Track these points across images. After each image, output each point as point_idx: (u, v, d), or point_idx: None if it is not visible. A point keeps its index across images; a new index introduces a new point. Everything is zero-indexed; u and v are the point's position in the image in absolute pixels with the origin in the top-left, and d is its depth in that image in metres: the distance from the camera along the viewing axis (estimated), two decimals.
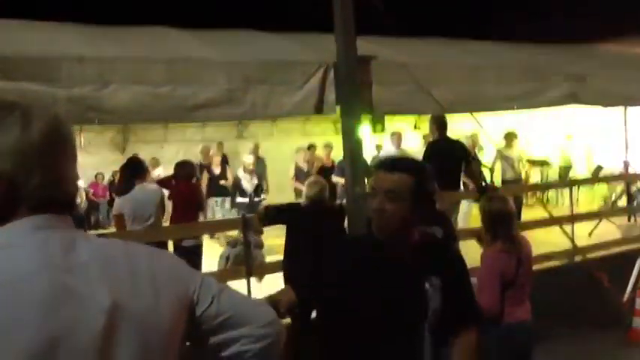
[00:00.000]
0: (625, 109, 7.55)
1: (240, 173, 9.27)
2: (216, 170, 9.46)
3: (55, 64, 3.81)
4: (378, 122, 9.22)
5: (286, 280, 4.56)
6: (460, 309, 2.16)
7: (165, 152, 11.29)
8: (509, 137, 9.58)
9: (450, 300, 2.10)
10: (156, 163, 10.26)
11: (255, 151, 10.34)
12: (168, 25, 5.40)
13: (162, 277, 1.14)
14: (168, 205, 5.94)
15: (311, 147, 10.85)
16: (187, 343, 1.21)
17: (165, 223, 5.98)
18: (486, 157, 10.24)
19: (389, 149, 10.05)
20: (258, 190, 8.98)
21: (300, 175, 9.53)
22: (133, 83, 4.01)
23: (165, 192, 5.97)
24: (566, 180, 10.19)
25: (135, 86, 4.01)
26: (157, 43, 4.72)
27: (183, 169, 6.17)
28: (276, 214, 4.85)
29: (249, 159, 9.34)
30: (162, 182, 6.71)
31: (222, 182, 9.27)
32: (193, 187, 6.47)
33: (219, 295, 1.20)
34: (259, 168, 9.92)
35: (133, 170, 5.54)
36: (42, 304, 0.99)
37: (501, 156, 9.44)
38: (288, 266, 4.67)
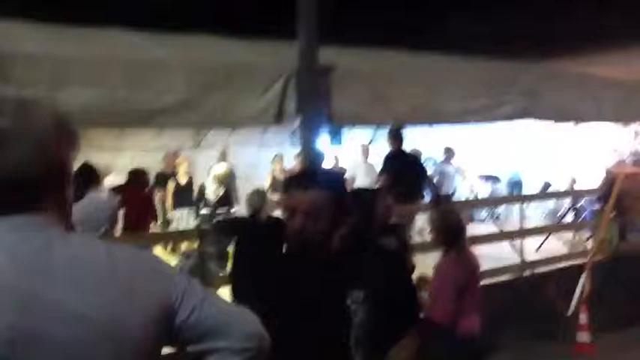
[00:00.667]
0: (575, 126, 7.85)
1: (208, 183, 8.97)
2: (183, 180, 9.15)
3: (6, 62, 3.66)
4: (336, 134, 9.31)
5: (233, 294, 4.52)
6: (394, 318, 2.14)
7: (120, 160, 11.02)
8: (448, 153, 9.91)
9: (379, 311, 2.06)
10: (108, 170, 9.99)
11: (222, 158, 10.03)
12: (126, 26, 5.28)
13: (140, 283, 1.10)
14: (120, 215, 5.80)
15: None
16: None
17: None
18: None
19: (356, 161, 10.09)
20: (224, 200, 8.60)
21: (277, 186, 9.40)
22: (89, 86, 3.88)
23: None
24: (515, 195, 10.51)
25: (91, 89, 3.89)
26: (114, 44, 4.60)
27: (137, 177, 6.05)
28: (223, 228, 4.82)
29: (220, 167, 8.91)
30: (116, 190, 6.55)
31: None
32: (147, 197, 6.35)
33: (201, 303, 1.16)
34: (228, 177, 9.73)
35: (86, 178, 5.39)
36: (4, 308, 0.96)
37: (440, 170, 9.81)
38: (233, 280, 4.63)
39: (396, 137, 6.88)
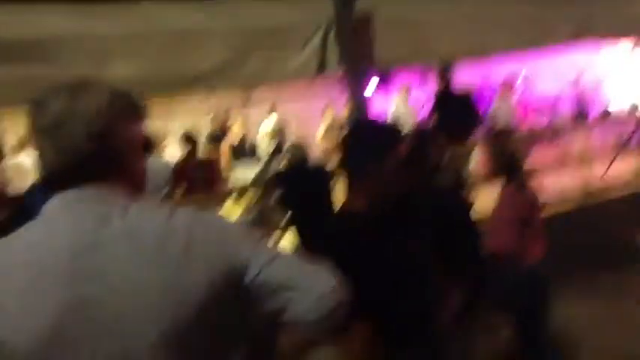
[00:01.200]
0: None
1: (260, 138, 8.94)
2: (236, 138, 9.27)
3: (52, 45, 3.76)
4: (383, 80, 9.15)
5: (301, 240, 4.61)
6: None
7: (171, 125, 11.24)
8: (504, 86, 9.50)
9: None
10: (163, 136, 10.22)
11: (272, 110, 10.02)
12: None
13: (201, 248, 1.11)
14: None
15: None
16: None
17: None
18: None
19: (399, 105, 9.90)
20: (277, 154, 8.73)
21: (331, 135, 9.52)
22: (133, 59, 3.97)
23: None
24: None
25: (134, 61, 3.97)
26: (150, 15, 4.65)
27: (187, 141, 6.17)
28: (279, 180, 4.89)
29: (268, 123, 8.92)
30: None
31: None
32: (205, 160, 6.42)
33: (272, 260, 1.16)
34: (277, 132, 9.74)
35: (144, 145, 5.58)
36: (62, 279, 1.02)
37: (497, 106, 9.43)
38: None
39: (443, 76, 6.71)
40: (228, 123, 9.76)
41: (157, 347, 1.03)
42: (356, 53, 4.63)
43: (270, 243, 1.24)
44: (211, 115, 10.15)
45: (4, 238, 1.10)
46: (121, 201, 1.13)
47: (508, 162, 3.42)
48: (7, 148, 10.19)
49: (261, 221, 5.15)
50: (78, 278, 1.02)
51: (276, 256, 1.17)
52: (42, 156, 1.13)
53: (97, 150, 1.12)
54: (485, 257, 3.16)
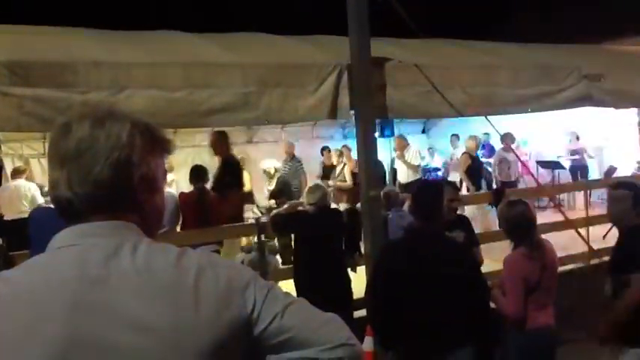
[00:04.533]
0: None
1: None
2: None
3: (71, 68, 3.80)
4: (386, 126, 9.22)
5: (297, 288, 4.56)
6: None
7: (175, 157, 11.26)
8: (505, 139, 9.59)
9: None
10: (170, 168, 10.24)
11: (290, 150, 10.05)
12: (181, 30, 5.40)
13: (211, 294, 1.07)
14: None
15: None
16: None
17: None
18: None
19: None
20: (277, 193, 8.47)
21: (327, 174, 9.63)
22: (149, 88, 3.99)
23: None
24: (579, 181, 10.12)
25: (150, 91, 4.00)
26: (171, 47, 4.71)
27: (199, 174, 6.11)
28: (284, 223, 4.82)
29: (267, 163, 8.89)
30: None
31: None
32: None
33: (283, 311, 1.11)
34: (295, 168, 9.75)
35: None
36: (68, 312, 0.98)
37: (500, 158, 9.52)
38: (299, 274, 4.65)
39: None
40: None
41: None
42: (368, 99, 4.65)
43: (280, 291, 1.16)
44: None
45: (13, 269, 1.07)
46: (133, 236, 1.09)
47: (518, 227, 3.40)
48: (5, 173, 10.23)
49: (259, 261, 5.10)
50: (80, 314, 0.98)
51: (287, 305, 1.12)
52: (57, 184, 1.09)
53: (115, 181, 1.09)
54: (494, 316, 3.13)
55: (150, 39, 4.81)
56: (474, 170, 9.20)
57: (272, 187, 8.53)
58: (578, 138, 11.02)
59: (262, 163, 8.85)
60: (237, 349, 1.08)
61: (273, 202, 7.93)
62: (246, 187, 8.95)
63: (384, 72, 4.82)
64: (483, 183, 9.71)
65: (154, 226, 1.20)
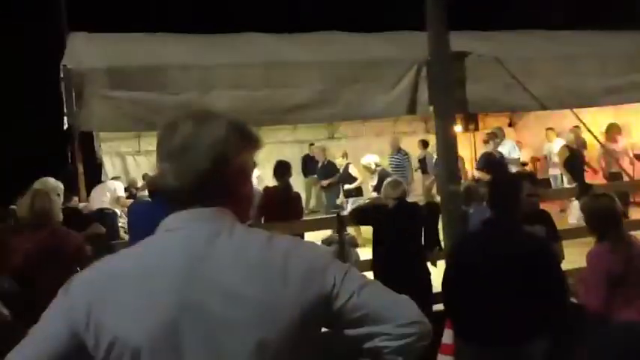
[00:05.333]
0: None
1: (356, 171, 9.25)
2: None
3: (162, 72, 4.09)
4: (471, 121, 9.03)
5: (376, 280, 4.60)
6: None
7: (260, 153, 11.62)
8: (611, 130, 9.07)
9: None
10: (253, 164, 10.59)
11: (395, 143, 10.25)
12: (261, 31, 5.60)
13: (295, 272, 1.19)
14: None
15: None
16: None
17: None
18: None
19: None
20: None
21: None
22: (232, 88, 4.22)
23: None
24: None
25: (234, 91, 4.22)
26: (252, 48, 4.92)
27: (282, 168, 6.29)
28: (364, 216, 4.89)
29: (369, 158, 8.92)
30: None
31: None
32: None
33: (360, 289, 1.22)
34: (402, 161, 9.91)
35: None
36: (175, 285, 1.15)
37: (605, 150, 8.96)
38: (378, 267, 4.71)
39: None
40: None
41: (254, 356, 1.13)
42: (447, 94, 4.63)
43: (357, 273, 1.27)
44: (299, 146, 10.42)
45: (133, 247, 1.25)
46: (229, 221, 1.23)
47: (602, 220, 3.30)
48: (104, 171, 10.99)
49: (340, 254, 5.20)
50: (189, 284, 1.14)
51: (364, 285, 1.23)
52: (166, 175, 1.24)
53: (215, 174, 1.22)
54: (573, 310, 3.06)
55: (232, 41, 5.04)
56: (574, 164, 8.75)
57: (374, 182, 8.60)
58: None
59: (362, 159, 8.94)
60: (318, 322, 1.21)
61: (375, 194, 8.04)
62: (358, 182, 9.23)
63: (464, 66, 4.77)
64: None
65: (246, 212, 1.35)
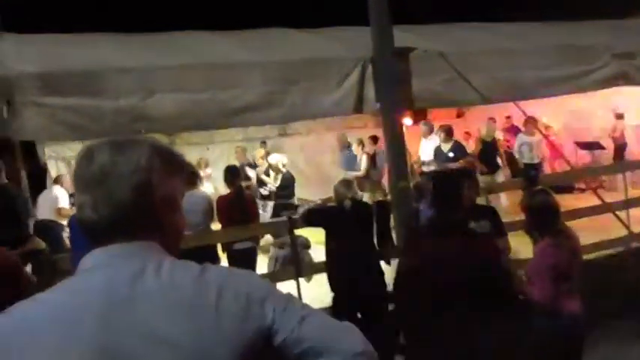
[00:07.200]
0: None
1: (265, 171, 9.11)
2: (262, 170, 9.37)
3: (99, 76, 3.88)
4: (419, 115, 9.10)
5: (330, 282, 4.60)
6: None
7: (211, 153, 11.48)
8: (529, 122, 9.39)
9: None
10: (205, 163, 10.43)
11: (343, 140, 10.26)
12: (198, 29, 5.44)
13: (231, 308, 1.12)
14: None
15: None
16: None
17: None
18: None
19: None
20: (285, 189, 8.59)
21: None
22: (175, 91, 4.04)
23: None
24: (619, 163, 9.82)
25: (176, 94, 4.05)
26: (193, 48, 4.78)
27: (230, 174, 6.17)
28: (314, 218, 4.85)
29: (274, 157, 8.89)
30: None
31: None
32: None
33: (302, 322, 1.17)
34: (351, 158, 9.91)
35: (187, 180, 5.56)
36: (96, 331, 1.04)
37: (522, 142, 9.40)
38: (331, 268, 4.69)
39: None
40: (260, 155, 9.85)
41: None
42: (394, 90, 4.64)
43: (298, 303, 1.22)
44: (249, 145, 10.26)
45: (49, 291, 1.14)
46: (155, 256, 1.15)
47: (541, 217, 3.36)
48: (49, 175, 10.58)
49: (292, 257, 5.16)
50: (110, 331, 1.04)
51: (305, 316, 1.18)
52: (84, 206, 1.16)
53: (137, 203, 1.15)
54: (520, 303, 3.12)
55: (171, 41, 4.88)
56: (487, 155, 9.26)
57: (277, 182, 8.59)
58: (620, 117, 10.67)
59: (270, 158, 8.86)
60: (258, 357, 1.13)
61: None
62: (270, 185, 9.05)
63: (409, 62, 4.79)
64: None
65: (176, 243, 1.26)
